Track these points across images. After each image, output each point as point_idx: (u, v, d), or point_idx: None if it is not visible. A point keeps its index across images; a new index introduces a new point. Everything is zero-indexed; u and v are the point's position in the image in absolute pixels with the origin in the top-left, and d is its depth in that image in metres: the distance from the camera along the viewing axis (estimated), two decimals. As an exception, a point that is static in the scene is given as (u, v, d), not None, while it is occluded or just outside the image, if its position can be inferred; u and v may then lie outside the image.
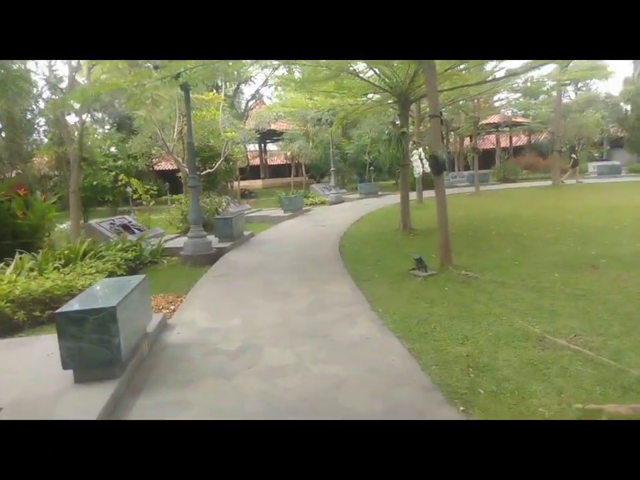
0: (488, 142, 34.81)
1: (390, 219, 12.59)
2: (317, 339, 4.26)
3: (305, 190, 21.97)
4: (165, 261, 8.37)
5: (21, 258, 7.11)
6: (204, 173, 13.59)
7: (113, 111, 29.39)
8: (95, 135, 19.62)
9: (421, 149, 8.10)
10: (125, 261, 7.70)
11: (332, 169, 19.19)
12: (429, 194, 18.58)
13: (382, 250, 8.33)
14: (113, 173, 17.61)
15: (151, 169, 28.18)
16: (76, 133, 11.63)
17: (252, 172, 35.08)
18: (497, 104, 23.86)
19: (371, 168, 25.26)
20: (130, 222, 10.76)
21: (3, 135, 14.63)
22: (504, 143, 35.04)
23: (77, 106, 9.50)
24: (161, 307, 5.67)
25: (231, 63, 7.69)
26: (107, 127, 31.48)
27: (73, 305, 3.38)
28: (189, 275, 7.44)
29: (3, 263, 6.98)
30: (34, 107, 16.49)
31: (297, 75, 15.80)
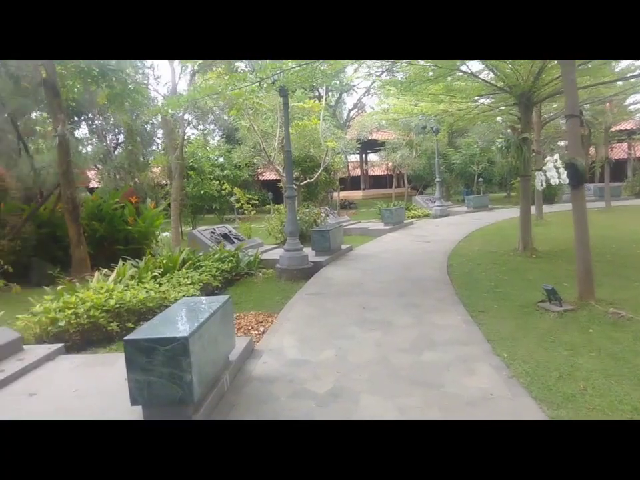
0: (619, 151, 30.73)
1: (506, 237, 11.21)
2: (424, 388, 3.45)
3: (407, 202, 20.97)
4: (261, 274, 8.06)
5: (124, 264, 7.23)
6: (303, 183, 13.36)
7: (223, 123, 31.02)
8: (207, 147, 20.56)
9: (556, 156, 6.88)
10: (220, 272, 7.53)
11: (437, 179, 18.00)
12: (547, 209, 16.53)
13: (499, 274, 7.19)
14: (218, 183, 18.24)
15: (256, 178, 29.12)
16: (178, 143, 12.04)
17: (352, 182, 34.84)
18: (631, 107, 20.83)
19: (480, 179, 23.48)
20: (230, 231, 10.77)
21: (124, 146, 15.84)
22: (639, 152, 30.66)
23: (172, 112, 9.72)
24: (250, 328, 5.24)
25: (327, 64, 7.19)
26: (217, 138, 33.34)
27: (144, 331, 2.97)
28: (283, 291, 7.01)
29: (108, 269, 7.15)
30: (153, 119, 17.67)
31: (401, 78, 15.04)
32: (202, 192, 17.18)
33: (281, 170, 13.30)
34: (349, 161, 36.67)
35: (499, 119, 15.21)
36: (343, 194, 30.27)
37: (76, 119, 26.15)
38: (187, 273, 6.97)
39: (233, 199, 13.86)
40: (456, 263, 8.39)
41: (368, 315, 5.37)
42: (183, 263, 7.70)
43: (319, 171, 13.19)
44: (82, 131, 26.52)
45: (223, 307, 3.68)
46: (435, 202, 20.47)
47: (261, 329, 5.20)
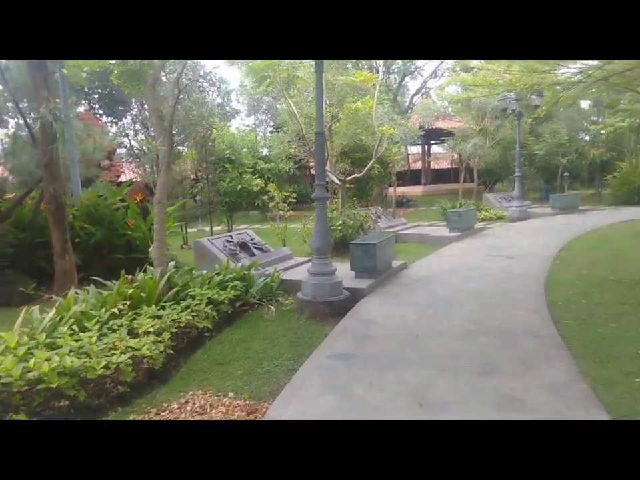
0: None
1: (620, 255, 8.19)
2: None
3: (476, 200, 17.89)
4: (272, 308, 5.75)
5: (85, 290, 5.24)
6: (349, 178, 10.91)
7: (275, 112, 29.05)
8: (246, 136, 18.60)
9: None
10: (216, 305, 5.34)
11: (516, 173, 14.84)
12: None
13: (644, 328, 4.44)
14: (259, 177, 16.17)
15: (308, 172, 26.96)
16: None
17: (412, 177, 31.79)
18: None
19: (565, 174, 19.81)
20: (252, 239, 8.59)
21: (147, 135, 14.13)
22: None
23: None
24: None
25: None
26: (269, 129, 31.56)
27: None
28: (297, 342, 4.70)
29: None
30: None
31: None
32: (238, 187, 15.19)
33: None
34: (409, 152, 33.71)
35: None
36: (401, 189, 27.40)
37: (121, 108, 25.37)
38: (158, 311, 4.81)
39: (266, 197, 11.70)
40: (561, 299, 5.65)
41: (427, 414, 2.92)
42: (169, 289, 5.59)
43: (370, 163, 10.66)
44: (126, 121, 25.83)
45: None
46: (510, 201, 17.28)
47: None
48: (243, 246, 8.16)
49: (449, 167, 32.08)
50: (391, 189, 18.77)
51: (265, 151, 20.70)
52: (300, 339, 4.78)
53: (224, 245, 7.83)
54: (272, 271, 6.89)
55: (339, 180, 10.50)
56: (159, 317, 4.67)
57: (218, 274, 6.25)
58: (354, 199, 14.65)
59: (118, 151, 20.15)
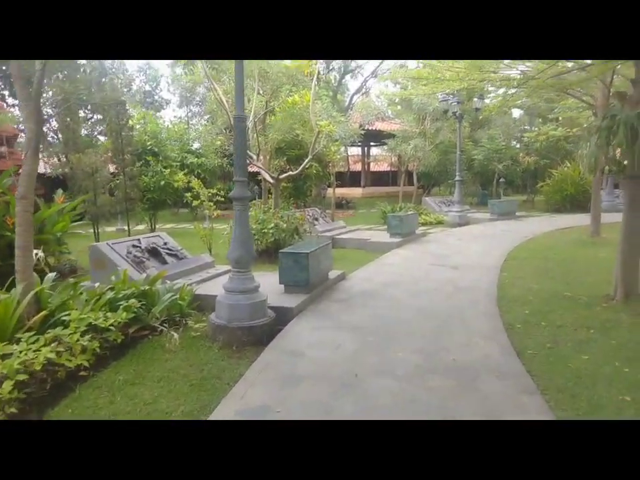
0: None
1: (569, 265, 7.77)
2: None
3: (416, 203, 17.48)
4: (175, 335, 4.54)
5: None
6: (283, 176, 9.84)
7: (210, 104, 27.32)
8: (186, 128, 16.96)
9: None
10: (98, 335, 4.08)
11: (457, 178, 14.48)
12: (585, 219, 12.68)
13: (619, 362, 3.75)
14: (185, 172, 14.63)
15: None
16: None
17: (351, 178, 31.32)
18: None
19: (501, 180, 19.97)
20: (165, 243, 7.28)
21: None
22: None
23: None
24: None
25: None
26: (203, 121, 29.73)
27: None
28: (202, 386, 3.57)
29: None
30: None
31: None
32: (162, 183, 13.63)
33: (254, 157, 9.81)
34: (349, 153, 33.24)
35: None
36: (340, 191, 26.76)
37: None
38: (7, 346, 3.49)
39: (189, 194, 10.35)
40: (518, 320, 4.93)
41: None
42: (38, 311, 4.25)
43: (307, 160, 9.66)
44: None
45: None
46: (449, 205, 17.03)
47: None
48: (153, 252, 6.85)
49: (389, 169, 31.95)
50: (330, 190, 17.91)
51: (196, 145, 19.14)
52: (206, 381, 3.66)
53: (128, 250, 6.49)
54: (185, 283, 5.69)
55: (273, 178, 9.41)
56: (6, 356, 3.37)
57: (112, 289, 4.97)
58: (290, 199, 13.64)
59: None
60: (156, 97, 29.29)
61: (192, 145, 18.60)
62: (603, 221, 11.16)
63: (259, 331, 4.52)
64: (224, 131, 11.75)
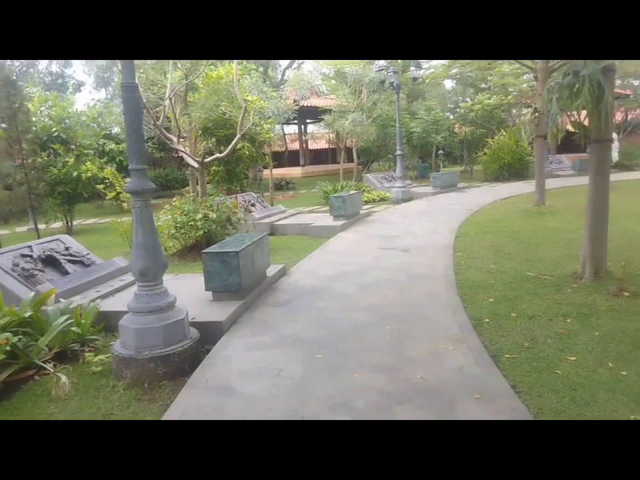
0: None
1: (523, 239, 7.32)
2: None
3: (357, 181, 16.82)
4: (63, 379, 3.45)
5: None
6: (209, 159, 8.69)
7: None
8: (101, 112, 15.09)
9: None
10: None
11: (397, 152, 13.87)
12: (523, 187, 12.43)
13: (605, 352, 3.18)
14: (105, 160, 12.99)
15: (176, 154, 23.86)
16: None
17: (290, 158, 30.27)
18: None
19: (440, 151, 19.73)
20: (67, 248, 6.03)
21: None
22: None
23: None
24: None
25: None
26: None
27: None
28: None
29: None
30: None
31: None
32: (75, 174, 11.94)
33: (174, 139, 8.56)
34: (285, 132, 32.06)
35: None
36: (279, 171, 25.73)
37: None
38: None
39: (102, 186, 8.97)
40: (484, 313, 4.29)
41: None
42: None
43: (235, 139, 8.54)
44: None
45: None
46: (391, 181, 16.51)
47: None
48: (50, 261, 5.61)
49: (327, 147, 31.17)
50: (267, 172, 16.82)
51: (116, 129, 17.28)
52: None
53: (14, 262, 5.23)
54: (87, 301, 4.58)
55: (197, 162, 8.25)
56: None
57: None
58: (223, 183, 12.46)
59: None
60: (68, 79, 26.45)
61: (110, 130, 16.77)
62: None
63: (177, 359, 3.57)
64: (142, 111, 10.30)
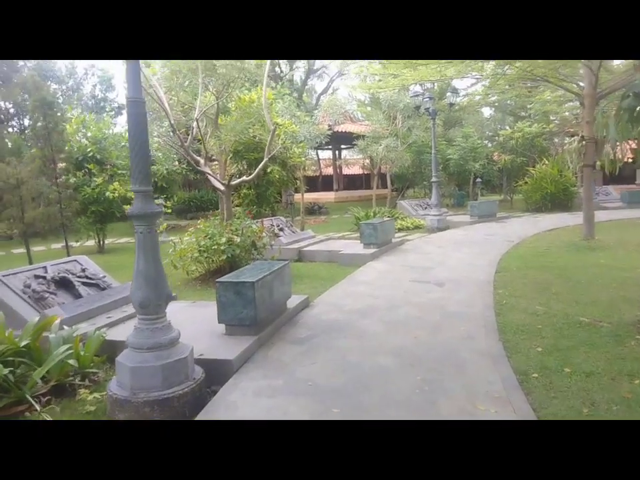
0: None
1: (572, 276, 6.64)
2: None
3: (391, 207, 16.34)
4: (46, 416, 3.11)
5: None
6: (235, 182, 8.47)
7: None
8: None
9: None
10: None
11: (433, 179, 13.35)
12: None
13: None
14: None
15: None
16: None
17: (324, 183, 30.16)
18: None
19: (478, 179, 19.05)
20: (84, 269, 5.82)
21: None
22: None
23: None
24: None
25: None
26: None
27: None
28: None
29: None
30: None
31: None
32: (107, 194, 12.01)
33: (201, 161, 8.40)
34: (320, 157, 32.09)
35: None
36: (312, 196, 25.60)
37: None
38: None
39: (127, 206, 8.89)
40: (530, 364, 3.69)
41: None
42: None
43: (262, 162, 8.30)
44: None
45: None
46: (426, 208, 15.97)
47: None
48: (63, 283, 5.39)
49: (361, 172, 30.94)
50: (298, 196, 16.61)
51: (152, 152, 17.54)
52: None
53: (25, 283, 5.02)
54: (92, 329, 4.27)
55: (222, 184, 8.02)
56: None
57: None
58: (250, 207, 12.26)
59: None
60: (111, 102, 27.45)
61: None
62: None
63: (177, 404, 3.16)
64: (170, 134, 10.26)
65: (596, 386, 3.29)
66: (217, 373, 3.70)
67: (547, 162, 17.77)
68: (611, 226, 12.07)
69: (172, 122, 7.82)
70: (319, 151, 31.36)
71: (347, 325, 4.88)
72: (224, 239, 7.37)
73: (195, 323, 4.77)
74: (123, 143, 13.39)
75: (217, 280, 4.48)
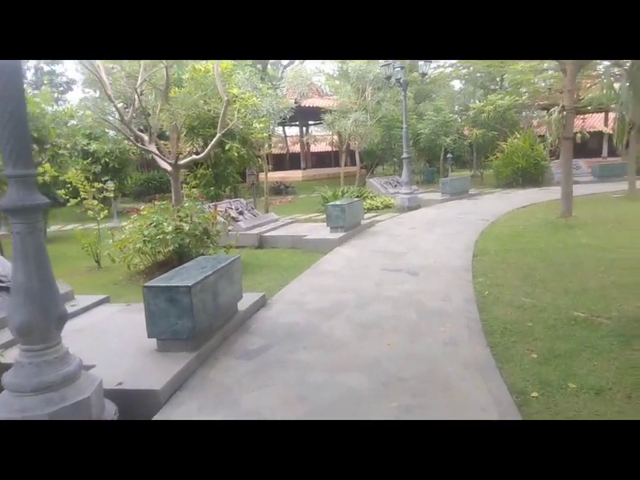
0: (594, 121, 26.94)
1: (554, 260, 6.09)
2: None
3: (360, 185, 15.61)
4: None
5: None
6: (184, 161, 7.51)
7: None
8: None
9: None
10: None
11: (404, 155, 12.64)
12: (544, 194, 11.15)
13: None
14: (89, 160, 11.82)
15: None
16: None
17: (292, 161, 29.11)
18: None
19: (449, 155, 18.47)
20: (-6, 270, 4.85)
21: None
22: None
23: None
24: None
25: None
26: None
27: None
28: None
29: None
30: None
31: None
32: (45, 178, 10.76)
33: (145, 138, 7.38)
34: (287, 134, 30.95)
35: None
36: (279, 175, 24.62)
37: None
38: None
39: (63, 191, 7.84)
40: (528, 378, 3.05)
41: None
42: None
43: (215, 138, 7.35)
44: None
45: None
46: (396, 186, 15.33)
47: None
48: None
49: (330, 149, 30.00)
50: (263, 175, 15.62)
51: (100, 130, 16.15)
52: None
53: None
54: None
55: (169, 164, 7.06)
56: None
57: None
58: (211, 188, 11.29)
59: None
60: (60, 76, 25.41)
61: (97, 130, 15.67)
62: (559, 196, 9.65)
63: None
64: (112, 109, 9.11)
65: (610, 408, 2.67)
66: (140, 406, 2.92)
67: (518, 136, 17.33)
68: (585, 201, 11.69)
69: (109, 93, 6.76)
70: (286, 128, 30.19)
71: (309, 330, 4.14)
72: (170, 227, 6.48)
73: (123, 334, 3.93)
74: (65, 120, 12.06)
75: (145, 285, 3.62)
